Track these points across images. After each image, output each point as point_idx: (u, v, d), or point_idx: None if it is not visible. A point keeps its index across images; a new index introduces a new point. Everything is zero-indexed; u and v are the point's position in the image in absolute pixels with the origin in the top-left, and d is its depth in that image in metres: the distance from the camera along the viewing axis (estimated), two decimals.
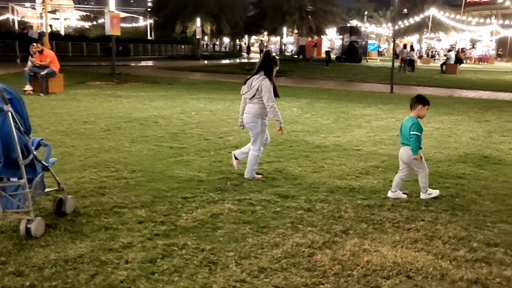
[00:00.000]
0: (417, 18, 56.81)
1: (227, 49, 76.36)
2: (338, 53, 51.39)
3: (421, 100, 5.28)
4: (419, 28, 67.26)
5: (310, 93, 16.79)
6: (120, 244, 3.87)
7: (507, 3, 41.57)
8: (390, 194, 5.37)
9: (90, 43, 43.29)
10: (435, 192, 5.37)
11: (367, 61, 48.98)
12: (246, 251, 3.81)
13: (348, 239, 4.11)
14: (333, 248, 3.92)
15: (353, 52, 46.47)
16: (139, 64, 34.36)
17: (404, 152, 5.31)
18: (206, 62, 40.70)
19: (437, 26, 64.12)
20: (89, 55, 41.07)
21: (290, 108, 12.86)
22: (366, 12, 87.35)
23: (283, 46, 63.58)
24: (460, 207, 5.04)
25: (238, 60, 44.17)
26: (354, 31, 48.57)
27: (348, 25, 55.48)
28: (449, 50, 36.83)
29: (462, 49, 59.58)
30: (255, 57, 52.65)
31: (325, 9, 54.55)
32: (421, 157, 5.28)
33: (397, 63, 37.54)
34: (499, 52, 67.87)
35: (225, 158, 7.00)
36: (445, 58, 33.36)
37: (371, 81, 23.77)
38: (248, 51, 60.91)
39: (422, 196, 5.32)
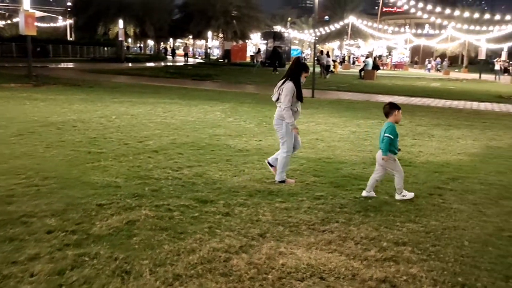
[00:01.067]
0: (337, 25, 58.80)
1: (152, 52, 75.07)
2: (262, 58, 52.01)
3: (396, 106, 5.62)
4: (339, 35, 69.71)
5: (235, 97, 16.88)
6: (26, 256, 3.67)
7: (419, 13, 44.02)
8: (364, 193, 5.67)
9: (5, 43, 41.01)
10: (410, 195, 5.62)
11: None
12: (162, 258, 3.75)
13: (265, 243, 4.15)
14: (250, 252, 3.95)
15: (276, 57, 47.17)
16: (59, 66, 32.98)
17: (378, 154, 5.63)
18: (130, 64, 39.75)
19: (356, 33, 66.75)
20: (4, 56, 38.87)
21: (213, 112, 12.85)
22: (289, 18, 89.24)
23: (209, 50, 63.46)
24: (373, 208, 5.25)
25: (162, 63, 43.51)
26: (277, 36, 49.42)
27: (272, 30, 56.30)
28: (367, 57, 38.38)
29: (379, 56, 62.40)
30: (180, 60, 52.20)
31: (249, 14, 55.21)
32: (394, 160, 5.60)
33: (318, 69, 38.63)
34: (416, 59, 71.64)
35: (144, 163, 6.86)
36: (363, 64, 34.71)
37: None
38: (173, 54, 60.22)
39: (397, 197, 5.59)
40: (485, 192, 6.08)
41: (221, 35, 56.91)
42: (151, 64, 42.44)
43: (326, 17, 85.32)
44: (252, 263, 3.73)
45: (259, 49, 46.79)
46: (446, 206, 5.44)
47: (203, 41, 67.04)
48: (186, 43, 69.53)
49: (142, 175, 6.22)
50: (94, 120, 10.63)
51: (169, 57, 59.31)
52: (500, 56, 52.20)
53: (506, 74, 46.31)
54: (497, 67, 41.52)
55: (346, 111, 14.50)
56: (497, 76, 39.58)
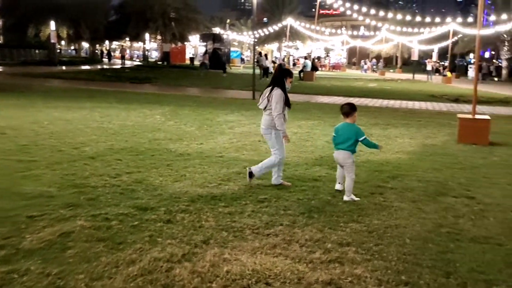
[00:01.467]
0: (276, 27, 59.30)
1: (87, 55, 72.83)
2: (202, 60, 51.69)
3: (355, 107, 5.87)
4: (278, 36, 70.35)
5: (175, 100, 16.59)
6: None
7: (355, 15, 45.24)
8: (337, 186, 5.96)
9: None
10: (357, 199, 5.67)
11: (230, 68, 49.90)
12: (99, 271, 3.53)
13: (209, 249, 4.02)
14: (193, 260, 3.81)
15: (217, 59, 47.03)
16: None
17: (340, 154, 5.78)
18: (64, 68, 38.30)
19: (295, 35, 67.56)
20: None
21: (153, 115, 12.54)
22: (228, 20, 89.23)
23: (147, 52, 62.32)
24: (316, 209, 5.23)
25: (99, 66, 42.22)
26: (217, 38, 49.30)
27: (211, 32, 56.10)
28: (306, 58, 38.97)
29: (318, 57, 63.55)
30: (117, 63, 50.89)
31: (188, 16, 54.73)
32: (353, 161, 5.76)
33: (258, 71, 38.82)
34: (353, 61, 73.52)
35: (80, 170, 6.55)
36: (303, 65, 35.20)
37: (235, 87, 24.19)
38: (109, 57, 58.62)
39: (345, 198, 5.65)
40: (423, 189, 6.23)
41: (159, 37, 56.04)
42: (87, 67, 41.12)
43: (265, 19, 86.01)
44: (196, 271, 3.59)
45: (206, 50, 46.33)
46: (387, 205, 5.51)
47: (140, 43, 65.71)
48: (122, 45, 67.86)
49: (78, 183, 5.92)
50: (25, 126, 10.08)
51: (106, 60, 57.72)
52: (431, 57, 54.58)
53: (437, 74, 48.40)
54: (428, 67, 43.31)
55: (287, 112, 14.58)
56: (429, 76, 41.27)
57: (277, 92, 5.91)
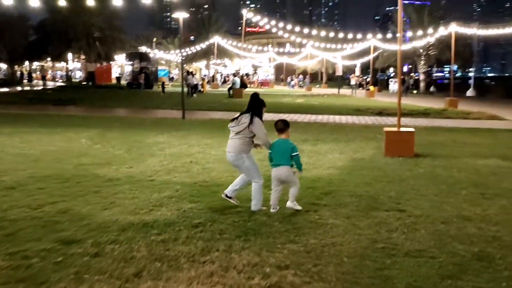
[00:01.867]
0: (203, 45, 59.35)
1: (5, 76, 69.25)
2: (128, 79, 50.66)
3: (288, 124, 6.11)
4: (206, 54, 70.45)
5: (102, 122, 16.00)
6: None
7: (280, 33, 46.25)
8: (272, 211, 5.87)
9: None
10: (299, 207, 5.92)
11: (158, 87, 49.27)
12: None
13: (141, 283, 3.79)
14: None
15: (144, 78, 46.28)
16: None
17: (282, 171, 5.87)
18: None
19: (222, 52, 67.93)
20: None
21: (78, 139, 12.00)
22: (154, 39, 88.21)
23: (70, 73, 60.25)
24: (253, 231, 5.12)
25: (19, 88, 40.21)
26: (143, 57, 48.53)
27: (137, 51, 55.18)
28: (234, 76, 39.19)
29: (246, 74, 64.21)
30: (39, 84, 48.74)
31: (113, 35, 53.64)
32: (294, 172, 5.97)
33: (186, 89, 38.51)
34: (282, 77, 74.56)
35: None
36: (232, 83, 35.34)
37: (165, 107, 23.78)
38: (30, 78, 56.08)
39: (289, 204, 5.91)
40: (356, 204, 6.29)
41: (83, 56, 54.40)
42: (5, 89, 39.00)
43: (192, 37, 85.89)
44: None
45: (141, 68, 45.26)
46: (323, 222, 5.51)
47: (63, 63, 63.48)
48: (43, 66, 65.19)
49: None
50: None
51: (26, 81, 55.15)
52: (354, 72, 56.64)
53: (361, 88, 50.26)
54: (352, 82, 44.90)
55: (219, 131, 14.42)
56: (353, 90, 42.76)
57: (258, 120, 5.98)
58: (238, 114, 6.15)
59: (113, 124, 15.62)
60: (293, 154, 5.87)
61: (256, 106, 6.14)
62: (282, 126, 6.02)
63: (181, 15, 18.12)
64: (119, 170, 8.36)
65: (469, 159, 9.93)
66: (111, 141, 11.84)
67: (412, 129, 10.54)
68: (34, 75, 64.09)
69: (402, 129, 10.50)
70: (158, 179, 7.67)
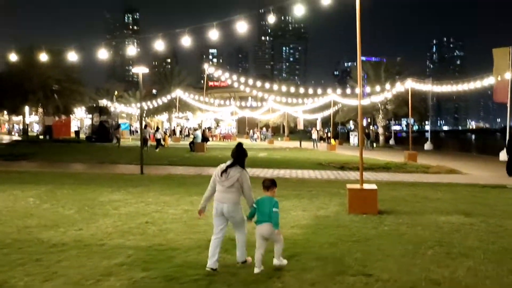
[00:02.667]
0: (165, 99, 59.29)
1: None
2: (88, 133, 49.72)
3: (275, 183, 6.18)
4: (168, 107, 70.41)
5: (54, 179, 15.25)
6: None
7: (242, 87, 46.77)
8: (256, 270, 5.74)
9: None
10: (285, 261, 6.03)
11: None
12: None
13: None
14: None
15: (104, 131, 45.51)
16: None
17: (265, 228, 5.86)
18: None
19: (185, 106, 68.02)
20: None
21: (25, 198, 11.28)
22: (116, 92, 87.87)
23: (26, 126, 58.70)
24: None
25: None
26: (103, 110, 47.87)
27: (97, 105, 54.54)
28: (195, 129, 38.97)
29: (209, 127, 64.21)
30: None
31: (72, 88, 52.85)
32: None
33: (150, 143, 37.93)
34: (247, 130, 74.59)
35: None
36: (193, 137, 35.04)
37: (123, 162, 23.15)
38: None
39: (275, 262, 5.95)
40: (321, 269, 5.93)
41: (40, 109, 53.20)
42: None
43: (154, 91, 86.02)
44: None
45: (118, 124, 44.42)
46: None
47: (21, 117, 61.92)
48: None
49: None
50: None
51: None
52: (315, 125, 57.47)
53: (322, 141, 50.83)
54: (314, 135, 45.34)
55: (178, 187, 13.97)
56: (315, 144, 43.09)
57: (246, 174, 6.08)
58: (225, 167, 6.09)
59: (66, 180, 14.89)
60: (274, 210, 5.89)
61: (242, 158, 6.20)
62: (269, 184, 6.12)
63: (140, 70, 17.90)
64: (67, 233, 7.76)
65: (432, 216, 9.79)
66: (62, 199, 11.18)
67: (374, 186, 10.37)
68: None
69: (365, 186, 10.33)
70: (109, 243, 7.12)
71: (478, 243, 7.41)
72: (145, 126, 36.30)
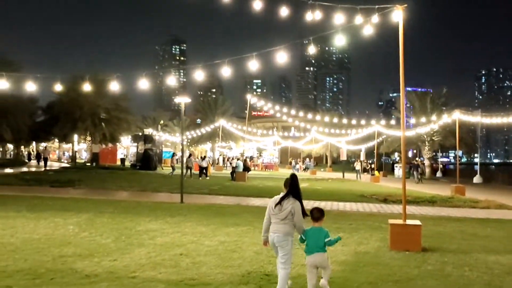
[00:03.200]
0: (208, 128, 59.99)
1: (11, 156, 69.69)
2: (133, 161, 50.69)
3: (323, 213, 6.44)
4: (211, 137, 71.14)
5: (95, 206, 15.42)
6: None
7: (285, 117, 46.76)
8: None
9: None
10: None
11: (162, 169, 49.12)
12: None
13: None
14: None
15: (148, 159, 46.25)
16: None
17: (318, 257, 6.12)
18: None
19: (227, 135, 68.57)
20: None
21: (65, 225, 11.39)
22: (161, 121, 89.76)
23: (75, 153, 60.49)
24: None
25: (24, 169, 40.01)
26: (148, 139, 48.75)
27: (142, 133, 55.68)
28: (238, 159, 39.01)
29: (251, 157, 64.28)
30: (41, 166, 48.71)
31: (119, 116, 54.17)
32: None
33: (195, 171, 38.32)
34: (290, 160, 74.24)
35: None
36: (235, 166, 35.02)
37: (164, 190, 23.28)
38: (38, 158, 56.07)
39: (323, 282, 6.14)
40: None
41: (88, 137, 54.74)
42: (8, 170, 38.82)
43: (198, 120, 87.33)
44: None
45: (174, 153, 45.15)
46: None
47: (69, 145, 63.98)
48: (45, 147, 65.52)
49: None
50: None
51: (34, 162, 55.20)
52: (359, 156, 56.54)
53: (365, 173, 49.85)
54: (357, 166, 44.54)
55: (216, 217, 13.83)
56: (358, 175, 42.28)
57: (298, 204, 6.25)
58: (279, 199, 6.26)
59: (107, 208, 15.00)
60: (326, 240, 6.19)
61: (296, 189, 6.33)
62: (318, 215, 6.35)
63: (183, 100, 18.12)
64: (101, 263, 7.70)
65: (481, 255, 9.22)
66: (100, 228, 11.22)
67: (418, 222, 9.90)
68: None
69: (408, 221, 9.87)
70: (140, 276, 6.99)
71: None
72: (190, 155, 36.73)
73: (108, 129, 53.42)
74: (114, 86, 14.51)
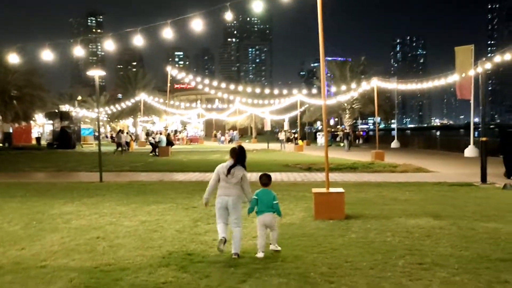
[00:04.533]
0: (129, 103, 58.06)
1: None
2: (49, 140, 48.11)
3: (271, 178, 7.31)
4: (132, 111, 69.10)
5: (3, 190, 14.28)
6: None
7: (207, 90, 46.05)
8: (260, 255, 6.68)
9: None
10: (279, 248, 7.00)
11: (82, 147, 47.06)
12: None
13: None
14: None
15: (65, 137, 44.06)
16: None
17: (267, 217, 6.90)
18: None
19: (150, 109, 66.86)
20: None
21: None
22: (79, 97, 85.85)
23: None
24: None
25: None
26: (64, 116, 46.37)
27: (58, 110, 52.80)
28: (160, 133, 38.06)
29: (175, 131, 63.13)
30: None
31: (32, 93, 50.97)
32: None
33: (112, 147, 36.95)
34: (215, 132, 73.50)
35: None
36: (157, 141, 34.10)
37: (83, 169, 22.20)
38: None
39: (272, 247, 6.96)
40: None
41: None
42: None
43: (119, 95, 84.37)
44: None
45: (120, 130, 41.87)
46: None
47: None
48: None
49: None
50: None
51: None
52: (283, 126, 57.20)
53: (289, 142, 50.54)
54: (281, 136, 44.97)
55: (137, 195, 13.26)
56: (282, 145, 42.73)
57: (246, 173, 7.06)
58: (229, 166, 6.92)
59: (17, 192, 13.93)
60: (274, 202, 6.95)
61: (243, 159, 7.08)
62: (267, 181, 7.17)
63: (96, 73, 17.09)
64: (6, 253, 7.01)
65: (401, 219, 9.41)
66: (9, 214, 10.34)
67: (341, 190, 9.92)
68: None
69: (331, 189, 9.87)
70: (51, 264, 6.42)
71: (451, 250, 7.02)
72: (120, 131, 35.43)
73: (20, 107, 50.17)
74: (14, 59, 13.34)
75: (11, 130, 50.30)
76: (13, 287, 5.45)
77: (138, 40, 13.51)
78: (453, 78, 30.44)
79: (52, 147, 44.22)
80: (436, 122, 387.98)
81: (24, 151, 39.67)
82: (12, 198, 12.74)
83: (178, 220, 9.63)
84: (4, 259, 6.74)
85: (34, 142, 57.07)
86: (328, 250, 7.07)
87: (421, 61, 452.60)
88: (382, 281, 5.60)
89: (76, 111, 56.39)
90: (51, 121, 47.40)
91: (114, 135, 43.63)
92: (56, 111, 51.73)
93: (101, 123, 73.88)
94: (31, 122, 59.07)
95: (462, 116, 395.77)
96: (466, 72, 28.31)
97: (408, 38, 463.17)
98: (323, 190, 9.91)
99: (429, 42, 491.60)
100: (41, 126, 66.41)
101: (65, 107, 58.49)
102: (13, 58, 13.39)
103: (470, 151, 29.38)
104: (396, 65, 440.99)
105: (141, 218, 9.91)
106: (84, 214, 10.40)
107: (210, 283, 5.58)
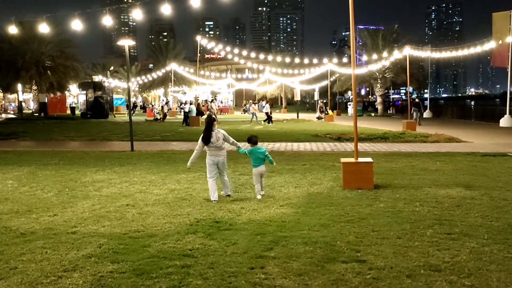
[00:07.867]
0: (159, 73, 58.33)
1: None
2: (83, 109, 48.99)
3: (258, 137, 9.02)
4: (163, 81, 69.52)
5: (38, 159, 14.67)
6: None
7: (237, 59, 45.83)
8: (259, 196, 8.59)
9: None
10: (263, 193, 8.77)
11: (114, 117, 47.76)
12: None
13: None
14: None
15: (99, 107, 44.79)
16: None
17: (262, 168, 8.64)
18: None
19: (180, 80, 67.09)
20: None
21: (4, 180, 10.74)
22: (111, 68, 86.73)
23: (21, 104, 57.90)
24: None
25: None
26: (97, 86, 46.93)
27: (91, 80, 53.53)
28: (191, 103, 38.21)
29: (205, 101, 63.32)
30: None
31: (66, 64, 51.86)
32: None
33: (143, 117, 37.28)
34: (244, 102, 73.33)
35: None
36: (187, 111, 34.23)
37: (115, 138, 22.57)
38: None
39: (259, 196, 8.61)
40: (310, 255, 5.39)
41: (34, 87, 52.30)
42: None
43: (150, 65, 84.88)
44: None
45: (167, 101, 42.22)
46: (269, 284, 4.56)
47: (14, 95, 61.09)
48: None
49: None
50: None
51: None
52: (313, 96, 56.61)
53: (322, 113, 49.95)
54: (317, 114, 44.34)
55: (167, 164, 13.41)
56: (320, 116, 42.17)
57: (222, 131, 8.79)
58: (206, 136, 8.56)
59: (51, 160, 14.30)
60: (266, 154, 8.69)
61: (212, 124, 8.74)
62: (256, 140, 8.83)
63: (126, 42, 17.11)
64: (39, 219, 7.21)
65: (431, 189, 9.25)
66: (42, 181, 10.62)
67: (370, 160, 9.78)
68: None
69: (360, 159, 9.75)
70: (81, 231, 6.57)
71: (481, 220, 6.87)
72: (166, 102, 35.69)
73: (54, 78, 51.20)
74: (45, 29, 13.46)
75: (46, 100, 51.34)
76: (45, 252, 5.59)
77: (166, 9, 13.43)
78: (489, 45, 29.38)
79: (86, 116, 45.03)
80: (471, 91, 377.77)
81: (59, 120, 40.50)
82: (46, 166, 13.07)
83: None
84: (37, 224, 6.93)
85: (68, 111, 58.22)
86: (356, 219, 7.02)
87: (457, 28, 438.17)
88: (409, 251, 5.53)
89: (109, 81, 57.04)
90: (84, 91, 48.12)
91: (147, 105, 43.99)
92: (89, 81, 52.46)
93: (132, 93, 74.31)
94: (66, 92, 60.21)
95: (498, 86, 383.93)
96: (503, 39, 27.27)
97: (444, 5, 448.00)
98: (352, 160, 9.79)
99: (465, 9, 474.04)
100: (75, 96, 67.64)
101: (98, 77, 59.26)
102: (44, 28, 13.52)
103: (505, 120, 28.53)
104: (430, 33, 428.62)
105: (170, 186, 10.03)
106: (115, 182, 10.59)
107: (237, 250, 5.61)
